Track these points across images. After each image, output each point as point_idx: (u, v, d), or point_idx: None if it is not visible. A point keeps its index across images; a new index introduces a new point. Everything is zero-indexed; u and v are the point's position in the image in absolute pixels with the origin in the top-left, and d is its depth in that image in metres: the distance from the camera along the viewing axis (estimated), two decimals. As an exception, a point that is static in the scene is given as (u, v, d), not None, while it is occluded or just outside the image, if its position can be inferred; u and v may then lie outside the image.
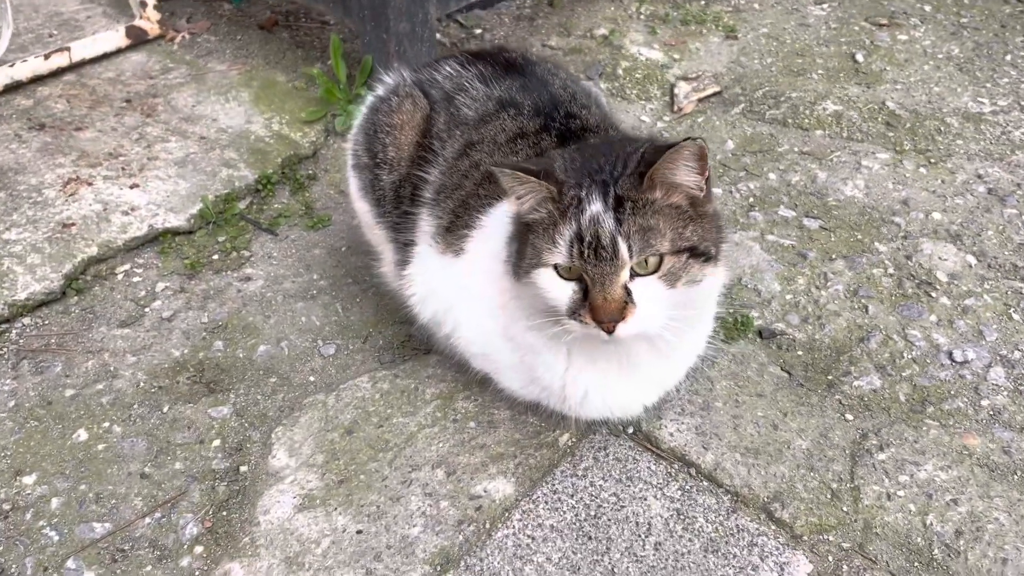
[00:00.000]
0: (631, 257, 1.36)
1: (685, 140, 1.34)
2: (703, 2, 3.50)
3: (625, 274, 1.37)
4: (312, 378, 1.93)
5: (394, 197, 1.85)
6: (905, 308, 2.07)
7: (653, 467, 1.69)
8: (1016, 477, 1.68)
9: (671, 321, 1.42)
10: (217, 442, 1.79)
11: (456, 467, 1.70)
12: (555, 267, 1.41)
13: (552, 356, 1.59)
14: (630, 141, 1.54)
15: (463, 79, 1.84)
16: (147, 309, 2.11)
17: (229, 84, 2.85)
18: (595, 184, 1.40)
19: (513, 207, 1.49)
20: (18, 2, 3.25)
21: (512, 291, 1.58)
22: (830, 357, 1.95)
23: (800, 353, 1.96)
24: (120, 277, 2.20)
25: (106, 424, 1.82)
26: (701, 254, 1.41)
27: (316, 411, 1.84)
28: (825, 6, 3.50)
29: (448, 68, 1.89)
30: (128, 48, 2.99)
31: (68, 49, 2.83)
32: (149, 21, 3.02)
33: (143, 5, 3.00)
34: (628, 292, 1.37)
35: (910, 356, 1.95)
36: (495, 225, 1.64)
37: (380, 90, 1.93)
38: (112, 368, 1.95)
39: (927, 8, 3.46)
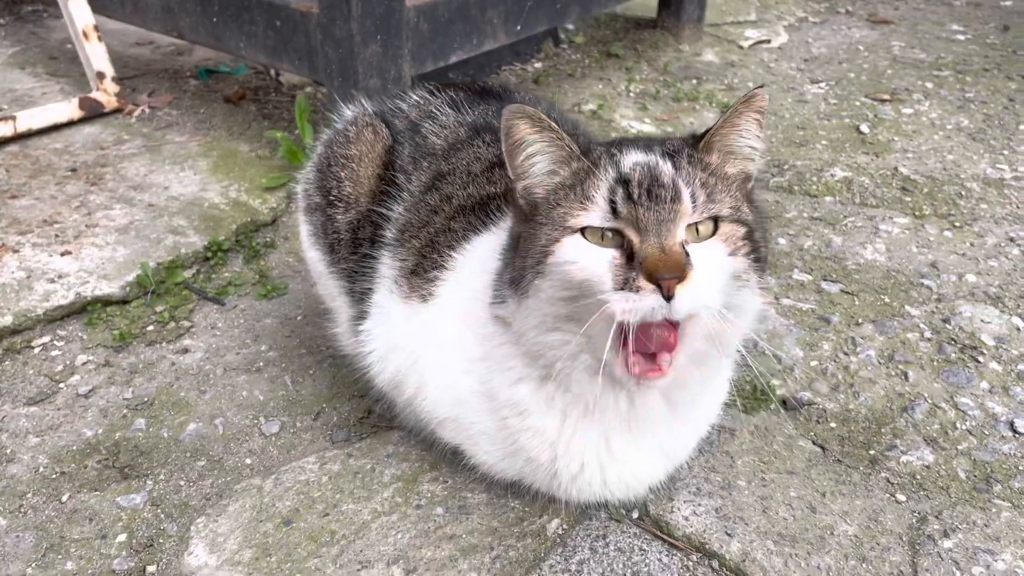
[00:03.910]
0: (694, 208, 1.11)
1: (755, 89, 1.15)
2: (695, 81, 3.36)
3: (683, 228, 1.10)
4: (249, 460, 1.60)
5: (351, 240, 1.57)
6: (951, 374, 1.77)
7: (665, 559, 1.34)
8: (1118, 569, 1.34)
9: (723, 320, 1.10)
10: (123, 537, 1.44)
11: (417, 563, 1.35)
12: (583, 233, 1.13)
13: (542, 419, 1.28)
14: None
15: (431, 106, 1.61)
16: (62, 385, 1.79)
17: (186, 154, 2.62)
18: (631, 147, 1.19)
19: (513, 183, 1.22)
20: (-29, 79, 3.08)
21: (499, 335, 1.29)
22: (869, 429, 1.63)
23: (833, 425, 1.64)
24: (37, 350, 1.89)
25: (-11, 516, 1.47)
26: (754, 246, 1.15)
27: (249, 498, 1.49)
28: (822, 84, 3.35)
29: (415, 96, 1.66)
30: (81, 120, 2.78)
31: (13, 119, 2.62)
32: (106, 93, 2.82)
33: (100, 77, 2.81)
34: (685, 253, 1.09)
35: (964, 427, 1.63)
36: (474, 263, 1.37)
37: (338, 123, 1.69)
38: (9, 451, 1.62)
39: (929, 85, 3.32)
